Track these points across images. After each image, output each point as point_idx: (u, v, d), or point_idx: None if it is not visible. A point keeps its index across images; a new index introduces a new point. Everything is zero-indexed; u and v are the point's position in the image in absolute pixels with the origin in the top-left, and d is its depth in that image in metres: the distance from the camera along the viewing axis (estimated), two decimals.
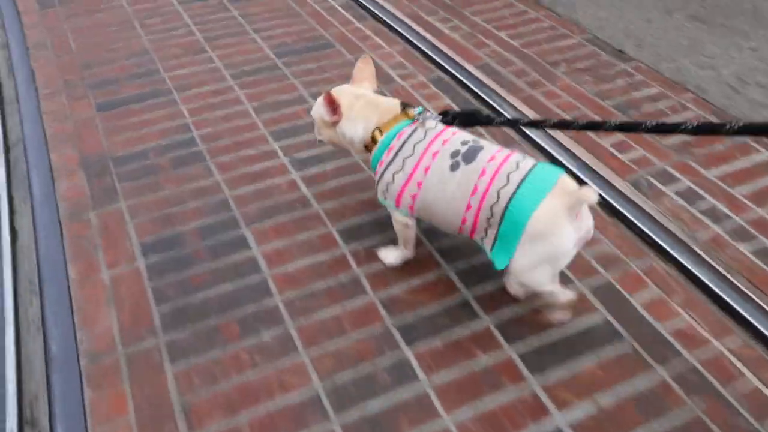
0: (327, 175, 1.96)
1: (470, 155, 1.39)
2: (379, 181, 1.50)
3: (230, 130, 2.18)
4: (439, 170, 1.40)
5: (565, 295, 1.45)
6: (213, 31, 2.81)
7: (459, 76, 2.49)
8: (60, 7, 3.04)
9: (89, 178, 1.96)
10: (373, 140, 1.51)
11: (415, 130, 1.46)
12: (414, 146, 1.44)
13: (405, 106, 1.53)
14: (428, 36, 2.76)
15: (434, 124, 1.48)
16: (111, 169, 2.00)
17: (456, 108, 2.25)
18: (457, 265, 1.66)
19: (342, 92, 1.57)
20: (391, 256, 1.64)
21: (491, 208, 1.33)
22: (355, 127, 1.53)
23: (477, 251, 1.68)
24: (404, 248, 1.62)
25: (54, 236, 1.75)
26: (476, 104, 2.34)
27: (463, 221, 1.39)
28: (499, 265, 1.36)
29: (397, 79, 2.47)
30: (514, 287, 1.54)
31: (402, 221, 1.53)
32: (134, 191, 1.91)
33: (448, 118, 1.50)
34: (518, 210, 1.29)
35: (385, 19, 2.90)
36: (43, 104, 2.33)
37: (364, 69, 1.63)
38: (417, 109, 1.51)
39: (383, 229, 1.75)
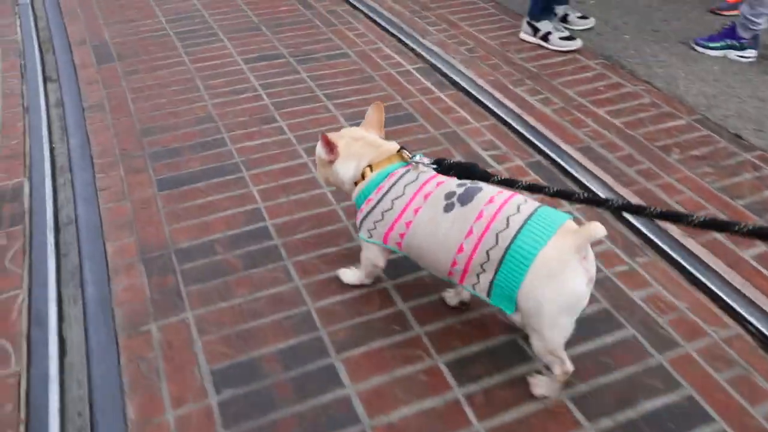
0: (427, 287, 1.67)
1: (467, 196, 1.35)
2: (365, 218, 1.49)
3: (308, 219, 1.91)
4: (431, 210, 1.38)
5: (567, 366, 1.33)
6: (282, 96, 2.59)
7: (559, 160, 2.21)
8: (119, 62, 2.86)
9: (150, 276, 1.70)
10: (363, 177, 1.52)
11: (407, 172, 1.47)
12: (404, 187, 1.44)
13: (402, 149, 1.53)
14: (518, 110, 2.50)
15: (416, 176, 1.46)
16: (174, 265, 1.73)
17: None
18: (600, 424, 1.35)
19: (344, 134, 1.62)
20: (349, 275, 1.67)
21: (488, 252, 1.27)
22: (347, 165, 1.55)
23: (622, 407, 1.37)
24: (365, 278, 1.65)
25: (109, 355, 1.47)
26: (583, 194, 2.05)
27: (454, 264, 1.33)
28: (509, 310, 1.29)
29: (491, 161, 2.20)
30: (542, 362, 1.39)
31: (374, 259, 1.55)
32: (201, 297, 1.63)
33: (443, 167, 1.48)
34: (522, 252, 1.23)
35: (467, 88, 2.66)
36: (99, 178, 2.10)
37: (373, 116, 1.64)
38: (414, 154, 1.50)
39: (502, 363, 1.46)
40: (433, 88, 2.68)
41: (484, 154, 2.24)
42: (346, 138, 1.58)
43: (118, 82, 2.69)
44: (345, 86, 2.67)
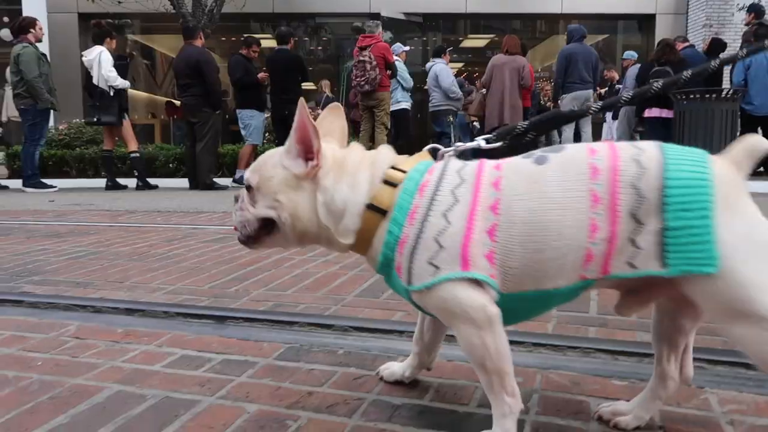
0: None
1: (555, 149, 0.94)
2: (416, 247, 0.91)
3: None
4: (521, 176, 0.92)
5: None
6: None
7: None
8: None
9: None
10: (378, 209, 0.96)
11: (443, 175, 0.96)
12: (458, 173, 0.95)
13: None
14: None
15: (464, 163, 0.99)
16: None
17: None
18: None
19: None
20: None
21: (634, 185, 0.85)
22: (356, 178, 0.99)
23: None
24: (506, 394, 0.94)
25: None
26: None
27: (594, 230, 0.86)
28: (711, 265, 0.81)
29: None
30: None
31: (479, 305, 0.90)
32: None
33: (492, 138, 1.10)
34: (684, 165, 0.85)
35: None
36: None
37: (334, 121, 1.13)
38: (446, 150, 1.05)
39: None
40: None
41: None
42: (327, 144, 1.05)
43: None
44: None
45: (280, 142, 7.39)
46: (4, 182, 8.57)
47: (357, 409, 1.16)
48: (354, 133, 8.35)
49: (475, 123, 10.29)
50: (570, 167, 0.90)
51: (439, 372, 1.33)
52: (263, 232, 1.07)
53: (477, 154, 1.08)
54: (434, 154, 1.07)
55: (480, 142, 1.13)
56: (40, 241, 3.24)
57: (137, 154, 7.87)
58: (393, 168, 1.00)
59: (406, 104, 8.59)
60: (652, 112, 7.83)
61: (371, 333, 1.60)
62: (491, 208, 0.90)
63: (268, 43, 10.08)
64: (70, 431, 1.10)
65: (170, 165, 9.29)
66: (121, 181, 7.97)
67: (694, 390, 1.21)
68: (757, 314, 0.81)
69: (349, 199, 0.99)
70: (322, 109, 9.89)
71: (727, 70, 8.55)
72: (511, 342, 1.43)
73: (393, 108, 8.15)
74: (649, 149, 0.89)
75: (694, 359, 1.33)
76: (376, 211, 0.97)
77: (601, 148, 0.92)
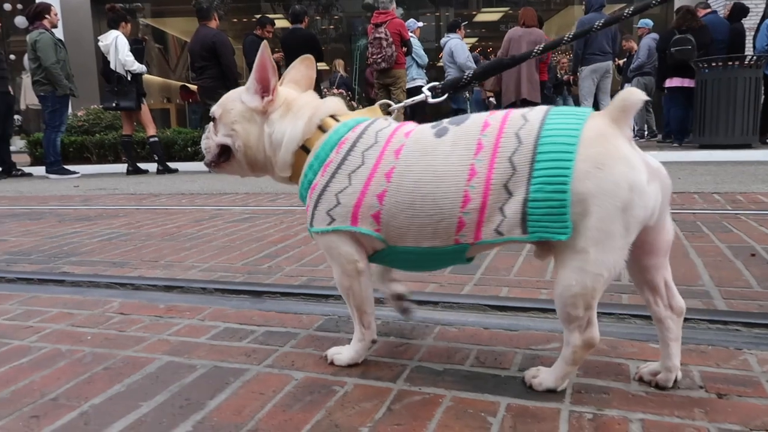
0: None
1: (458, 120, 1.06)
2: (323, 194, 1.09)
3: None
4: (418, 144, 1.05)
5: (593, 332, 1.03)
6: None
7: None
8: None
9: None
10: (307, 150, 1.13)
11: (361, 135, 1.10)
12: (377, 133, 1.09)
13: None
14: None
15: (388, 123, 1.14)
16: None
17: None
18: None
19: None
20: (346, 353, 1.23)
21: (510, 159, 0.95)
22: (298, 116, 1.14)
23: None
24: (362, 327, 1.21)
25: None
26: None
27: (466, 201, 0.98)
28: (564, 233, 0.92)
29: None
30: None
31: (349, 254, 1.11)
32: None
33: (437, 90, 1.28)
34: (556, 136, 0.93)
35: None
36: None
37: (303, 71, 1.26)
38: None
39: None
40: None
41: None
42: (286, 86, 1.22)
43: None
44: None
45: None
46: (28, 169, 8.72)
47: (401, 375, 1.20)
48: None
49: (491, 99, 10.18)
50: (460, 142, 1.02)
51: (477, 339, 1.36)
52: (222, 158, 1.26)
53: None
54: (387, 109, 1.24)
55: (426, 93, 1.27)
56: (71, 225, 3.32)
57: (156, 139, 7.93)
58: (332, 117, 1.15)
59: (421, 81, 8.52)
60: (673, 82, 7.71)
61: None
62: (386, 175, 1.05)
63: (280, 23, 10.02)
64: (128, 398, 1.15)
65: (189, 149, 9.35)
66: (141, 165, 8.06)
67: (733, 351, 1.23)
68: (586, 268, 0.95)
69: (288, 135, 1.15)
70: (337, 89, 9.82)
71: (750, 35, 8.35)
72: (547, 310, 1.51)
73: (409, 86, 8.09)
74: (533, 120, 0.98)
75: (730, 323, 1.37)
76: (306, 151, 1.14)
77: (494, 123, 1.01)
